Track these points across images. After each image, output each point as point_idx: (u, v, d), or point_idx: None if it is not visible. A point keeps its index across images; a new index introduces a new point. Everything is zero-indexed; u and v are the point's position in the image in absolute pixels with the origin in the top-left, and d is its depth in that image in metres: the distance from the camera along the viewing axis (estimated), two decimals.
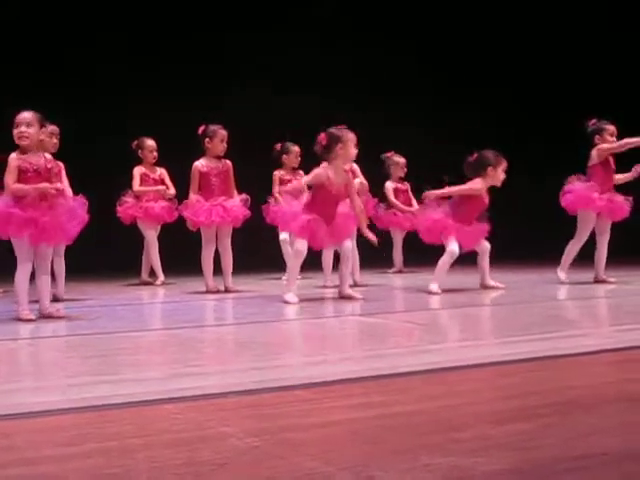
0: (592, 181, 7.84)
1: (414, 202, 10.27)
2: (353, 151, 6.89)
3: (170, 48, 11.86)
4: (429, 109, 12.96)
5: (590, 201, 7.78)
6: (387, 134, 11.05)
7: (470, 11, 13.31)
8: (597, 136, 7.88)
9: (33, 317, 5.75)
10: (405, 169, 10.46)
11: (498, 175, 7.44)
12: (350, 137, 6.86)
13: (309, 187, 7.08)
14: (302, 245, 6.81)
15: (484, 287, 7.59)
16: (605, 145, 7.82)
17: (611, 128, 7.91)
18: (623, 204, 7.94)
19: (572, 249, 7.96)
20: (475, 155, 7.51)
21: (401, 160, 10.46)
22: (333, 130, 6.88)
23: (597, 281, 7.96)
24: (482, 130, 9.99)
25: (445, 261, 7.34)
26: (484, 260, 7.60)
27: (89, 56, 11.42)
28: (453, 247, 7.30)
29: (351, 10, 13.10)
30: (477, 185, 7.43)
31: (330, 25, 12.74)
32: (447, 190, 7.50)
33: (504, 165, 7.46)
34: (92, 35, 11.51)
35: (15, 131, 5.80)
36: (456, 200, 7.52)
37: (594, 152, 7.85)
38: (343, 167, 6.98)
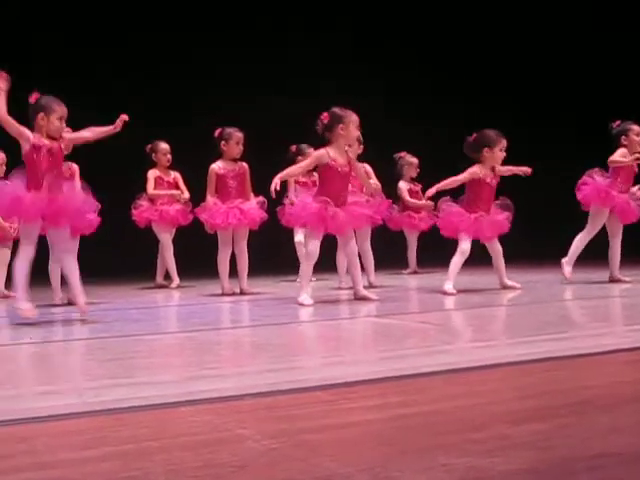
0: (612, 178, 7.81)
1: None
2: (355, 132, 6.87)
3: (181, 50, 11.90)
4: (444, 109, 12.97)
5: (608, 197, 7.75)
6: (400, 134, 11.07)
7: (492, 9, 13.29)
8: (623, 137, 7.82)
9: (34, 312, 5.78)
10: (418, 169, 10.44)
11: (496, 155, 7.44)
12: (353, 119, 6.81)
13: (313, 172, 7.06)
14: (314, 246, 6.79)
15: (503, 287, 7.57)
16: (619, 159, 7.74)
17: (636, 128, 7.84)
18: (636, 209, 7.90)
19: (580, 241, 7.91)
20: (474, 135, 7.51)
21: (414, 160, 10.44)
22: (336, 110, 6.83)
23: (612, 280, 7.93)
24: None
25: (457, 261, 7.34)
26: (499, 261, 7.57)
27: (101, 56, 11.49)
28: (464, 246, 7.31)
29: (353, 12, 13.10)
30: (474, 169, 7.44)
31: (338, 26, 12.76)
32: (446, 182, 7.49)
33: (502, 144, 7.45)
34: (108, 37, 11.59)
35: (60, 125, 5.96)
36: (465, 193, 7.52)
37: (618, 153, 7.78)
38: (344, 148, 6.93)
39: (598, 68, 12.50)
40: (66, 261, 6.03)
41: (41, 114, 5.90)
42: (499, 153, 7.44)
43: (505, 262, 7.60)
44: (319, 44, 12.39)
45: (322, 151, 6.85)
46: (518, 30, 13.22)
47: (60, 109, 5.96)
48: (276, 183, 6.74)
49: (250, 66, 12.14)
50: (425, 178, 7.67)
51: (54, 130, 5.94)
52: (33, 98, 5.99)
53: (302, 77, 12.05)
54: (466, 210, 7.40)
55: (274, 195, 6.86)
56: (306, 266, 6.95)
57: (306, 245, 7.11)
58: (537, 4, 13.12)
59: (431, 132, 12.45)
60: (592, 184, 7.85)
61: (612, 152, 7.81)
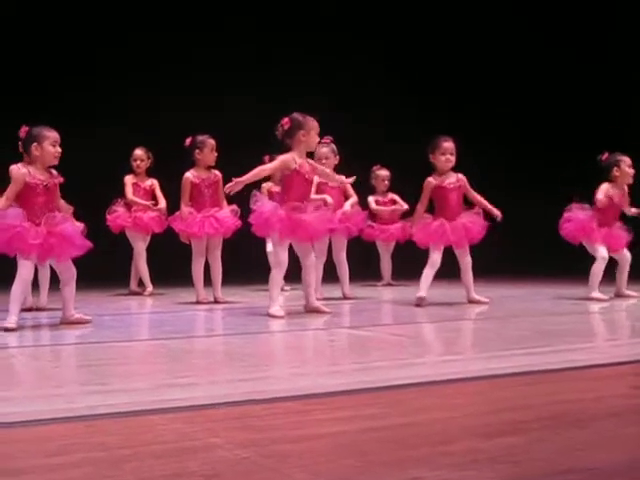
0: (595, 211, 7.83)
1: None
2: (315, 139, 6.78)
3: (154, 60, 11.87)
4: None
5: (591, 231, 7.76)
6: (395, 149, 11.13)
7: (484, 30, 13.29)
8: (615, 168, 7.83)
9: (15, 326, 5.71)
10: (387, 182, 10.39)
11: (437, 160, 7.39)
12: (314, 125, 6.74)
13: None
14: (282, 255, 6.69)
15: (470, 302, 7.54)
16: (602, 199, 7.74)
17: (628, 159, 7.88)
18: (621, 235, 7.91)
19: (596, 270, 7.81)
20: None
21: (382, 173, 10.38)
22: (297, 115, 6.74)
23: (618, 296, 7.96)
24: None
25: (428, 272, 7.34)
26: (467, 275, 7.52)
27: (81, 68, 11.46)
28: (434, 257, 7.31)
29: (347, 23, 13.09)
30: (427, 180, 7.40)
31: (321, 38, 12.74)
32: (416, 212, 7.52)
33: (443, 148, 7.37)
34: (80, 48, 11.57)
35: (55, 150, 5.97)
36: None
37: (602, 190, 7.80)
38: (305, 154, 6.82)
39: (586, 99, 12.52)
40: (69, 286, 6.11)
41: (34, 144, 5.91)
42: (440, 157, 7.37)
43: (478, 276, 7.59)
44: (289, 51, 12.37)
45: (288, 156, 6.71)
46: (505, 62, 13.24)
47: (52, 135, 5.97)
48: (237, 182, 6.53)
49: (232, 76, 12.09)
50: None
51: (50, 156, 5.94)
52: (23, 132, 6.02)
53: (271, 83, 12.04)
54: (433, 219, 7.39)
55: (230, 191, 6.65)
56: (275, 276, 6.73)
57: (275, 254, 6.88)
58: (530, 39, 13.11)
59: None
60: (574, 220, 7.85)
61: (600, 183, 7.82)
